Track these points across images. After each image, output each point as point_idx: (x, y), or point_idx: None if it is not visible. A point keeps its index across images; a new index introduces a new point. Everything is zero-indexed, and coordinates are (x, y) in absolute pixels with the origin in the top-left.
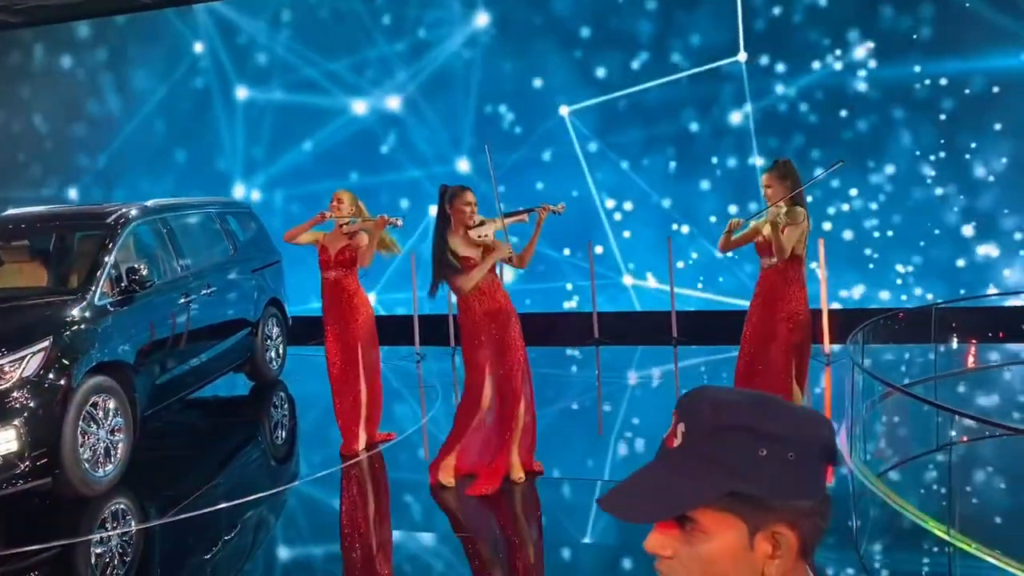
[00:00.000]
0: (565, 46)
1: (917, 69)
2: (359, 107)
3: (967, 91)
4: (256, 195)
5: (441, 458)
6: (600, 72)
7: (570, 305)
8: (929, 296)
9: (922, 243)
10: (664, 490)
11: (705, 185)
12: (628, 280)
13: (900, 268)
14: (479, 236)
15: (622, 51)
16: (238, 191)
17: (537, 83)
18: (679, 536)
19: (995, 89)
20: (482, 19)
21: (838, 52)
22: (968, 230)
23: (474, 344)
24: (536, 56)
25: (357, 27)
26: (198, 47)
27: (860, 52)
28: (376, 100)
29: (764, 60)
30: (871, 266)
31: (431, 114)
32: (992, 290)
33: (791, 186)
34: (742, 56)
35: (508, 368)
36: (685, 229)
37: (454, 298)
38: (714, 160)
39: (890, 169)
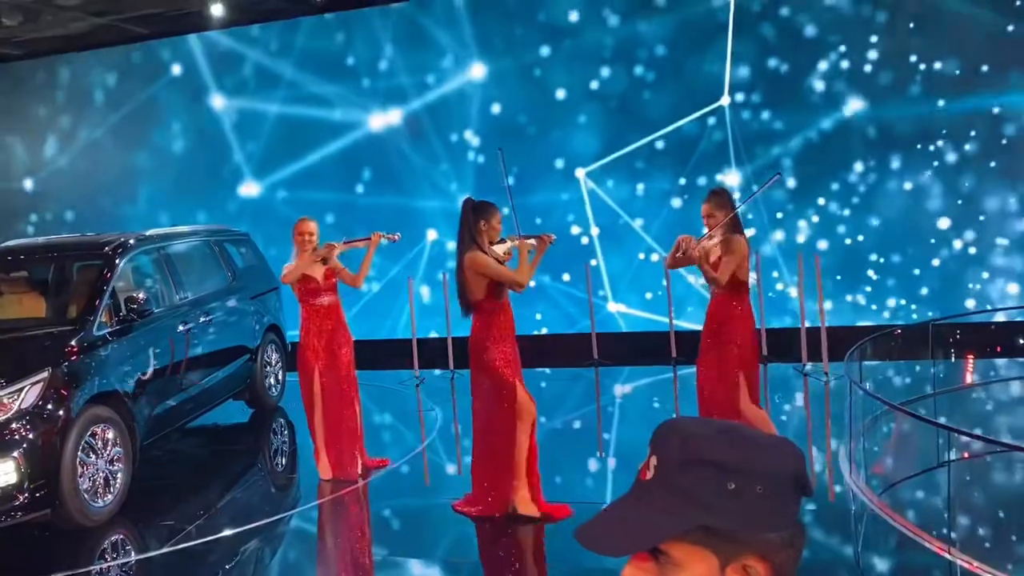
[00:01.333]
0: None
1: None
2: (371, 121)
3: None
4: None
5: (510, 488)
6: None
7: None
8: (930, 313)
9: (918, 259)
10: (637, 523)
11: (676, 203)
12: (612, 307)
13: (897, 284)
14: (504, 251)
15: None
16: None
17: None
18: (653, 568)
19: (995, 110)
20: (477, 70)
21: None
22: (959, 244)
23: (507, 358)
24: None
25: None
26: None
27: (854, 106)
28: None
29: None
30: (867, 285)
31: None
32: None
33: (726, 209)
34: (725, 100)
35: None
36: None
37: (453, 318)
38: (682, 181)
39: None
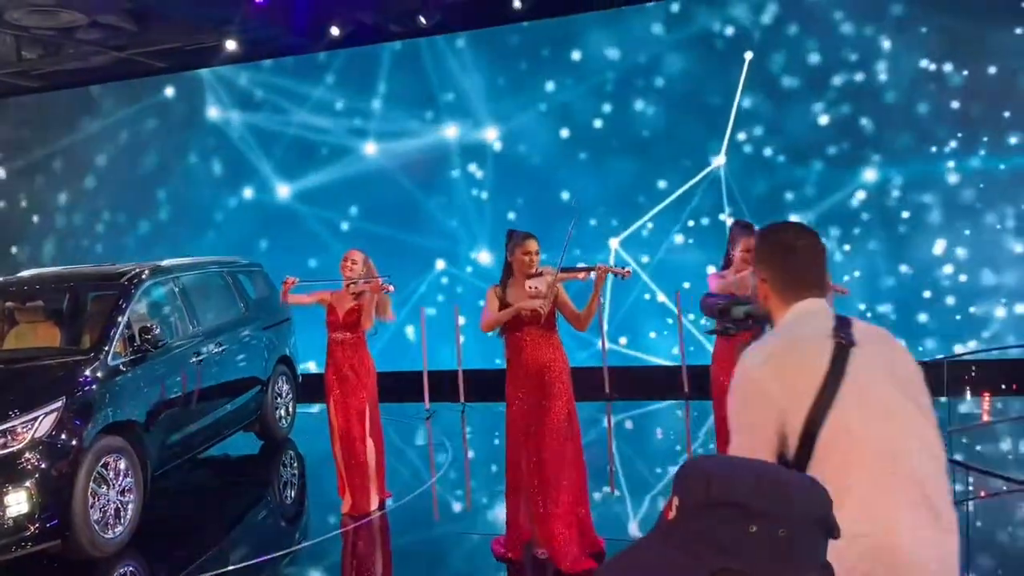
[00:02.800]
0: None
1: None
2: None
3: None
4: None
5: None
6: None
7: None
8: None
9: (928, 295)
10: (656, 564)
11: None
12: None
13: (915, 319)
14: (531, 288)
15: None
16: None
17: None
18: None
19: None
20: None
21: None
22: (978, 278)
23: (513, 402)
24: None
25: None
26: (212, 112)
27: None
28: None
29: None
30: (884, 318)
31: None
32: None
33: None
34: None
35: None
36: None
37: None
38: (690, 224)
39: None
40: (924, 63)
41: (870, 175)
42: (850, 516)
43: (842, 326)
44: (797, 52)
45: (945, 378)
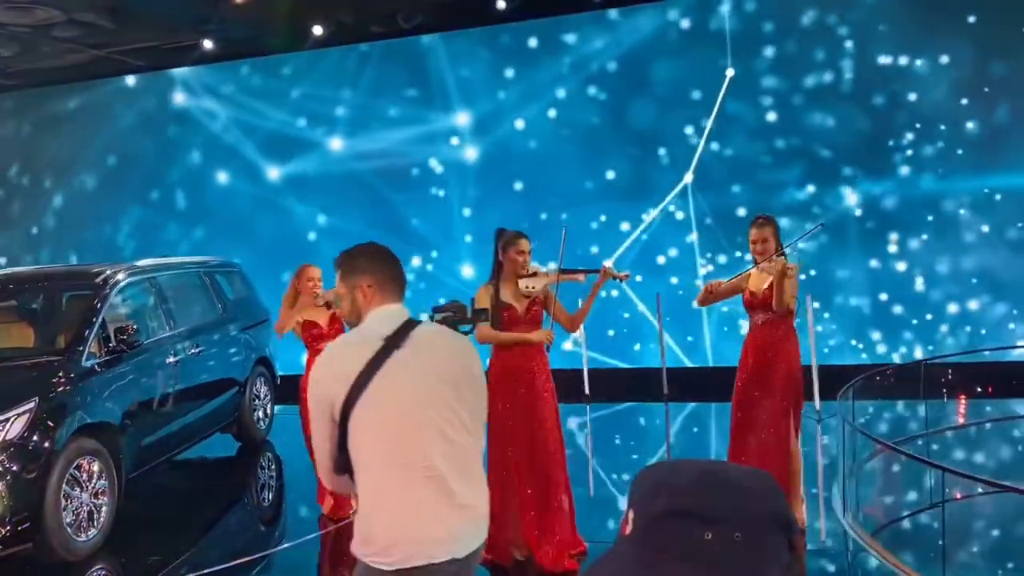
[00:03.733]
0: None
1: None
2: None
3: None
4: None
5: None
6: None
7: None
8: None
9: (909, 299)
10: None
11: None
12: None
13: (889, 324)
14: (526, 288)
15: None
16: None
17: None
18: None
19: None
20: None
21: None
22: (953, 286)
23: (498, 408)
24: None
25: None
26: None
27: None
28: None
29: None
30: (862, 322)
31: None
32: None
33: (778, 239)
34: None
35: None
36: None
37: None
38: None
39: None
40: (900, 60)
41: (849, 194)
42: (369, 491)
43: (403, 329)
44: (775, 69)
45: (922, 380)
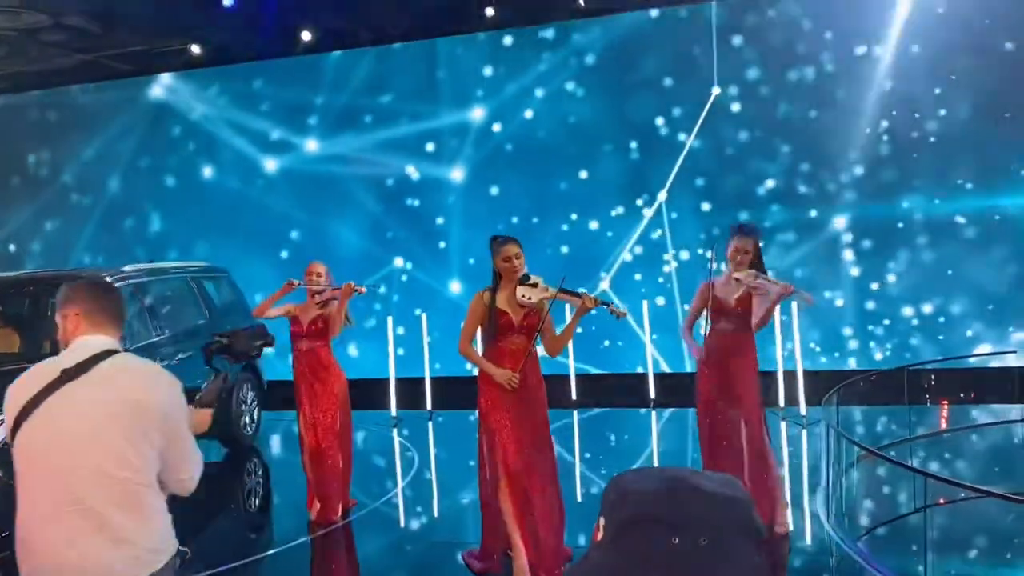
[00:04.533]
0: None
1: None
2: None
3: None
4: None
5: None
6: None
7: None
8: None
9: (892, 305)
10: None
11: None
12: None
13: (872, 329)
14: (522, 297)
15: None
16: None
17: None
18: None
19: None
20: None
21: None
22: (937, 291)
23: (491, 411)
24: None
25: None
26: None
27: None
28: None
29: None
30: (844, 328)
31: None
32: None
33: (758, 250)
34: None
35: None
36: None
37: (437, 364)
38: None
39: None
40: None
41: (838, 215)
42: (20, 521)
43: (89, 362)
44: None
45: (905, 386)
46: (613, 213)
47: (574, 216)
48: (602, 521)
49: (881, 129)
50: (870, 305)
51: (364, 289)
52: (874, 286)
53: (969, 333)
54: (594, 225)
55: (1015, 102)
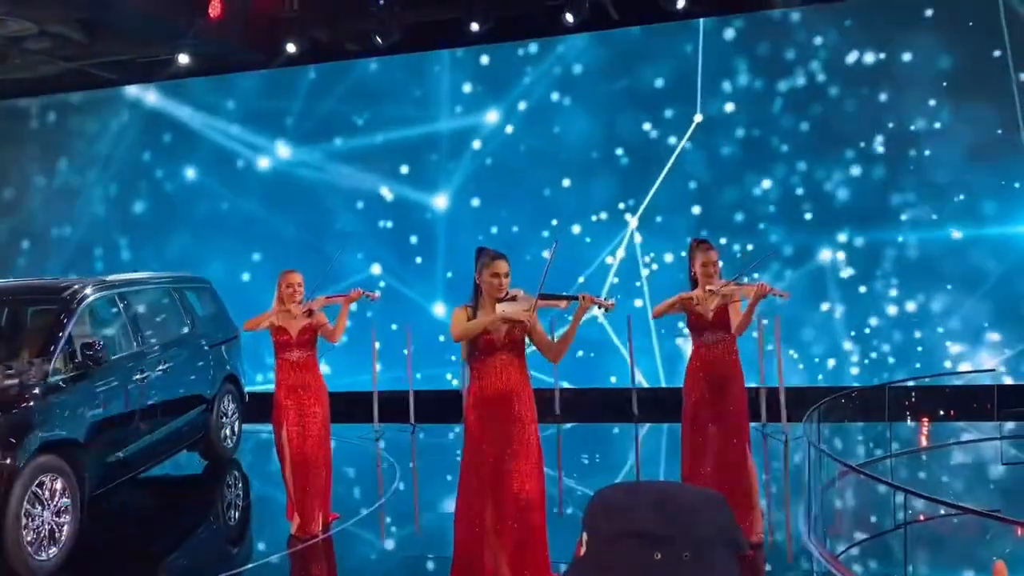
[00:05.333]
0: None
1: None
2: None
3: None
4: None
5: None
6: None
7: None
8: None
9: (872, 322)
10: None
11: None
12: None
13: (850, 346)
14: (503, 312)
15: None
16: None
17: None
18: None
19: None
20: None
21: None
22: (912, 307)
23: (472, 431)
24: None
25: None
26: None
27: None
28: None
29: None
30: (824, 344)
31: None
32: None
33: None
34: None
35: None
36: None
37: (418, 374)
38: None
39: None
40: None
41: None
42: None
43: None
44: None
45: (886, 403)
46: (594, 219)
47: (555, 222)
48: (584, 536)
49: (866, 144)
50: (855, 320)
51: (376, 294)
52: (858, 303)
53: (957, 350)
54: (576, 229)
55: (1004, 119)
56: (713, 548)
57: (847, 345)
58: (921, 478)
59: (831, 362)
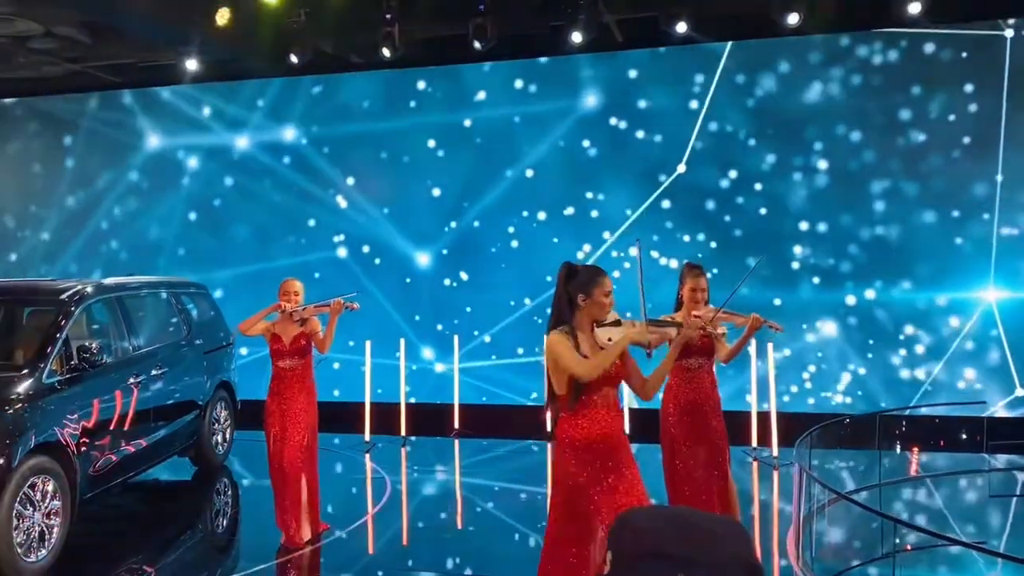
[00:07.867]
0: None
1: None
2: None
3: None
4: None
5: None
6: None
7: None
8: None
9: (867, 351)
10: None
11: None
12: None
13: (845, 375)
14: (608, 340)
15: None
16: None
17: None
18: None
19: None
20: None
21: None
22: (910, 330)
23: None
24: None
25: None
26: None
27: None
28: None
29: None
30: (815, 370)
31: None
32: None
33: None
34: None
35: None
36: None
37: (408, 386)
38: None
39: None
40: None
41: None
42: None
43: None
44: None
45: (877, 431)
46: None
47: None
48: (609, 555)
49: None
50: (852, 347)
51: (356, 305)
52: (845, 330)
53: (948, 381)
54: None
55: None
56: (732, 570)
57: (840, 372)
58: (911, 506)
59: (823, 389)
